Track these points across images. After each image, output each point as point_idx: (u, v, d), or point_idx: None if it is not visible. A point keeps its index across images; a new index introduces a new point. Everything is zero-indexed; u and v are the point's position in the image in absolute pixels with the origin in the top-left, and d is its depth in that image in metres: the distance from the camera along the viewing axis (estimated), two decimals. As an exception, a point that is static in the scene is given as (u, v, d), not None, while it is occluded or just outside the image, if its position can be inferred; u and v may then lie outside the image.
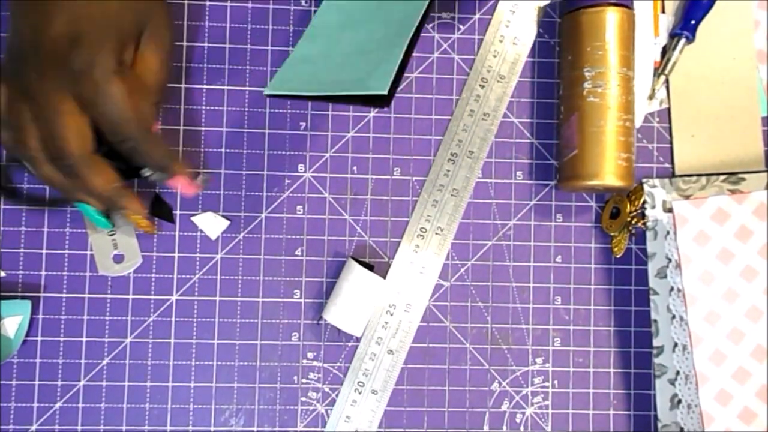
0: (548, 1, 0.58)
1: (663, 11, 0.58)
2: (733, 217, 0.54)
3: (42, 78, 0.45)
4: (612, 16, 0.54)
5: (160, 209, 0.55)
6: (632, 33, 0.54)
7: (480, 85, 0.57)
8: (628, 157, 0.54)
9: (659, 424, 0.56)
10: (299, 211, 0.56)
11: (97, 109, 0.45)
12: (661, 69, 0.57)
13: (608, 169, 0.53)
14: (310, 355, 0.56)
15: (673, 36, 0.57)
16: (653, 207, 0.57)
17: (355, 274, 0.54)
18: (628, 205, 0.56)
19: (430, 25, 0.58)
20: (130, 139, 0.47)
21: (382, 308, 0.56)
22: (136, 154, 0.48)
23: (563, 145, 0.55)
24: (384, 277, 0.56)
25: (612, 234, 0.57)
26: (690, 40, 0.57)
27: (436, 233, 0.57)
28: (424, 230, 0.56)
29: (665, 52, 0.58)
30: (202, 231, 0.56)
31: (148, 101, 0.48)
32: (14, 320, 0.53)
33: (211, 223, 0.56)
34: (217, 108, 0.56)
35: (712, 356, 0.53)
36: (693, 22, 0.56)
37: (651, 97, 0.57)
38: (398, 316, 0.56)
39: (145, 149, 0.48)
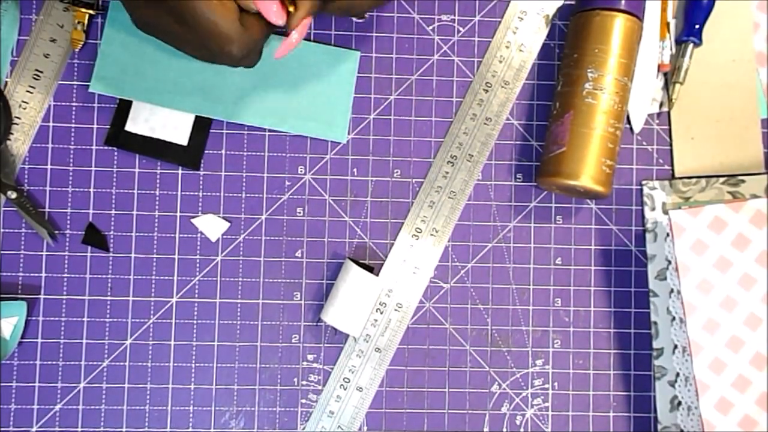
0: (560, 4, 0.58)
1: (674, 16, 0.58)
2: (730, 226, 0.54)
3: None
4: (623, 23, 0.54)
5: (94, 237, 0.55)
6: (637, 44, 0.55)
7: (484, 90, 0.57)
8: (612, 165, 0.54)
9: (659, 426, 0.56)
10: (299, 213, 0.56)
11: None
12: (675, 77, 0.57)
13: (592, 172, 0.53)
14: (310, 357, 0.56)
15: (681, 43, 0.57)
16: (653, 209, 0.57)
17: (353, 275, 0.54)
18: None
19: (430, 27, 0.58)
20: None
21: (373, 306, 0.56)
22: None
23: (551, 141, 0.55)
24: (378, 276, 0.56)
25: None
26: (697, 44, 0.57)
27: (432, 234, 0.57)
28: (419, 230, 0.56)
29: (674, 59, 0.57)
30: (202, 233, 0.56)
31: None
32: (10, 321, 0.53)
33: (212, 225, 0.56)
34: (217, 110, 0.56)
35: (711, 364, 0.53)
36: (697, 26, 0.56)
37: (670, 108, 0.57)
38: (388, 315, 0.56)
39: None
